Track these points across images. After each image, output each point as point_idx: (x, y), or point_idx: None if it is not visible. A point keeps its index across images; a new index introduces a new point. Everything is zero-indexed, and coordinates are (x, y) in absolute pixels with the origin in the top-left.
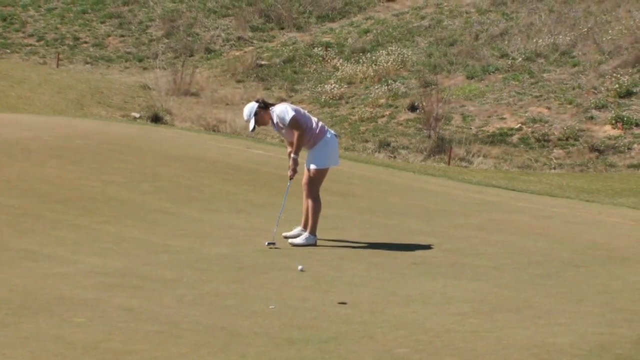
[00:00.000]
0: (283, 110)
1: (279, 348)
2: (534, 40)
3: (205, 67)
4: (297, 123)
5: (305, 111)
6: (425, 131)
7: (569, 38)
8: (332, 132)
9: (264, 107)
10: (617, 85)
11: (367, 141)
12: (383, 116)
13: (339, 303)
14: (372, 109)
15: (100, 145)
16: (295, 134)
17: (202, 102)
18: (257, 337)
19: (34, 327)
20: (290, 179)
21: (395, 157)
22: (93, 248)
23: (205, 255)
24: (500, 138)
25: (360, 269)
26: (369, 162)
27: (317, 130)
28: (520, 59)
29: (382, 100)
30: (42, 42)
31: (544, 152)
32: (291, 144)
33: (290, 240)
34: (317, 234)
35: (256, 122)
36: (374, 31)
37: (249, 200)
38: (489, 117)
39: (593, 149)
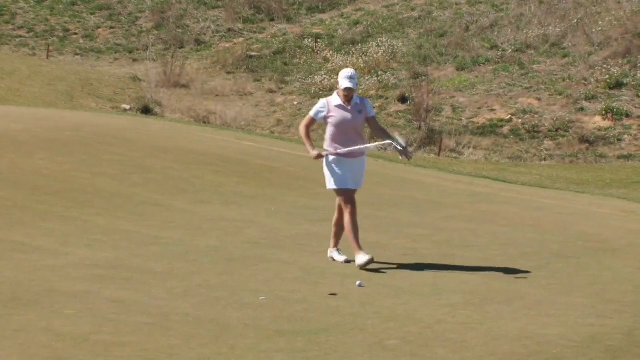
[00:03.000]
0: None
1: (269, 340)
2: (524, 31)
3: (195, 58)
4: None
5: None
6: (415, 122)
7: (559, 29)
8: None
9: None
10: (607, 77)
11: None
12: (374, 107)
13: (330, 295)
14: None
15: (90, 137)
16: (372, 128)
17: (192, 94)
18: (247, 329)
19: (23, 320)
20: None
21: (385, 149)
22: (83, 240)
23: (195, 247)
24: (490, 129)
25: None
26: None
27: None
28: (510, 50)
29: (373, 92)
30: (31, 34)
31: (534, 143)
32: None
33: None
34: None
35: (354, 89)
36: (364, 22)
37: (239, 192)
38: (479, 108)
39: (583, 140)
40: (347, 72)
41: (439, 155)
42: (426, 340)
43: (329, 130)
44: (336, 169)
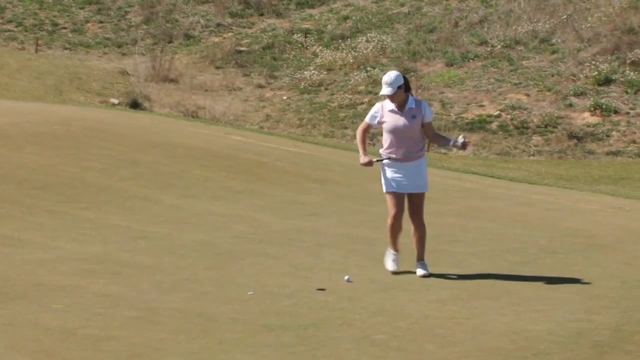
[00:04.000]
0: (428, 106)
1: (257, 334)
2: (513, 27)
3: (184, 53)
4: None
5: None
6: None
7: (548, 25)
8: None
9: (406, 88)
10: (596, 73)
11: (346, 128)
12: (362, 103)
13: (318, 289)
14: (351, 96)
15: (79, 131)
16: (432, 132)
17: (181, 88)
18: (235, 323)
19: (11, 313)
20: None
21: (374, 144)
22: (71, 234)
23: (183, 241)
24: (479, 125)
25: (339, 255)
26: (348, 148)
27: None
28: (499, 46)
29: (362, 87)
30: (20, 28)
31: (523, 139)
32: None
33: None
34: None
35: (392, 95)
36: (354, 18)
37: (227, 186)
38: (468, 104)
39: (572, 136)
40: (386, 76)
41: (427, 150)
42: (414, 335)
43: (384, 135)
44: (385, 173)
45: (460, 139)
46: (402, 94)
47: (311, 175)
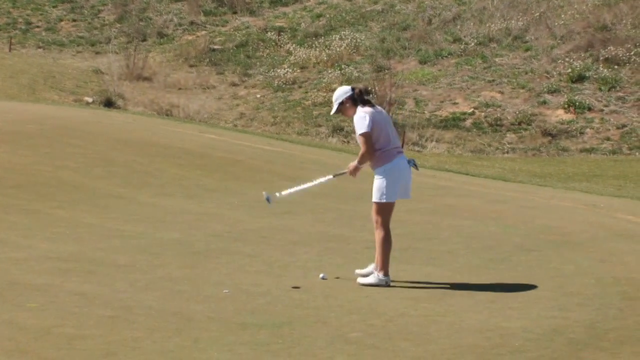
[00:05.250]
0: (360, 119)
1: (232, 332)
2: (487, 24)
3: (158, 51)
4: (365, 141)
5: (388, 128)
6: None
7: (521, 23)
8: (406, 158)
9: (354, 100)
10: (569, 70)
11: (320, 125)
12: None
13: (293, 287)
14: (325, 94)
15: (53, 130)
16: (361, 149)
17: (155, 87)
18: (210, 321)
19: None
20: (339, 175)
21: (348, 141)
22: (46, 233)
23: (158, 240)
24: (453, 122)
25: (314, 253)
26: (322, 146)
27: (383, 156)
28: (472, 43)
29: (335, 85)
30: None
31: (497, 136)
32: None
33: (358, 279)
34: (389, 273)
35: (338, 111)
36: (327, 16)
37: (201, 184)
38: (442, 101)
39: (546, 133)
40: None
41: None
42: (389, 333)
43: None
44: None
45: (339, 173)
46: (350, 110)
47: (285, 173)
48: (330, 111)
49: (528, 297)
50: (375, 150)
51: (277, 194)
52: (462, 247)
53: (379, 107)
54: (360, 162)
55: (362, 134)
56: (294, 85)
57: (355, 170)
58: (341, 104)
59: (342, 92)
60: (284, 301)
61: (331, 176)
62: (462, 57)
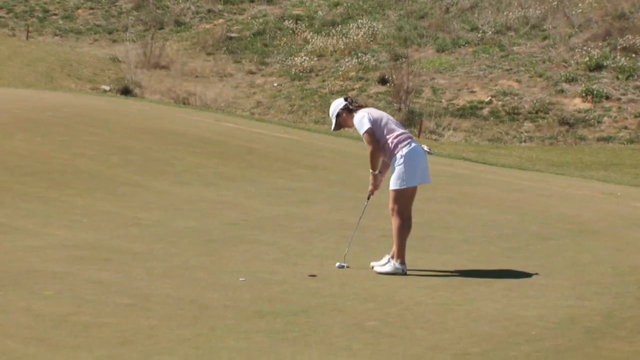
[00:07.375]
0: (359, 121)
1: (248, 321)
2: (504, 13)
3: (175, 39)
4: (370, 138)
5: (389, 119)
6: (395, 104)
7: (539, 11)
8: (418, 145)
9: (349, 110)
10: (587, 59)
11: None
12: (353, 89)
13: (309, 276)
14: (342, 82)
15: (70, 118)
16: (369, 149)
17: (171, 75)
18: (227, 309)
19: (3, 300)
20: (369, 196)
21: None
22: (63, 221)
23: (175, 228)
24: (470, 111)
25: (330, 241)
26: (339, 135)
27: (395, 143)
28: (490, 32)
29: (353, 73)
30: (11, 15)
31: (514, 125)
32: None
33: (375, 268)
34: (406, 261)
35: (338, 125)
36: (345, 4)
37: (218, 173)
38: (459, 90)
39: (563, 122)
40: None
41: (419, 137)
42: (405, 321)
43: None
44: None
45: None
46: (349, 119)
47: (302, 161)
48: (331, 128)
49: (545, 285)
50: (386, 141)
51: (345, 264)
52: (479, 236)
53: (372, 108)
54: (373, 165)
55: (366, 132)
56: (311, 74)
57: (375, 182)
58: (338, 116)
59: (335, 105)
60: (301, 289)
61: (366, 203)
62: (480, 46)
